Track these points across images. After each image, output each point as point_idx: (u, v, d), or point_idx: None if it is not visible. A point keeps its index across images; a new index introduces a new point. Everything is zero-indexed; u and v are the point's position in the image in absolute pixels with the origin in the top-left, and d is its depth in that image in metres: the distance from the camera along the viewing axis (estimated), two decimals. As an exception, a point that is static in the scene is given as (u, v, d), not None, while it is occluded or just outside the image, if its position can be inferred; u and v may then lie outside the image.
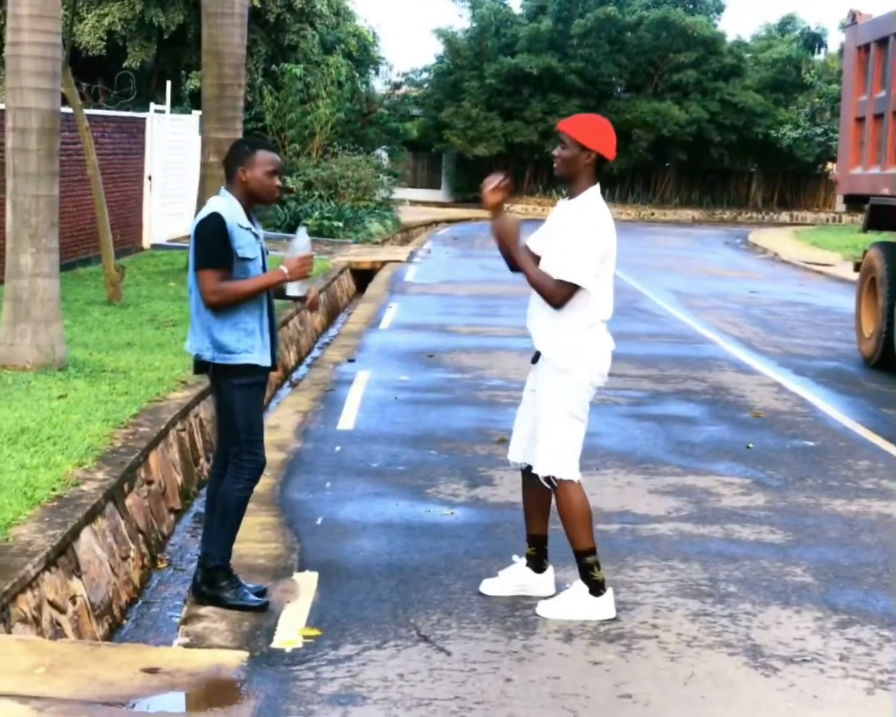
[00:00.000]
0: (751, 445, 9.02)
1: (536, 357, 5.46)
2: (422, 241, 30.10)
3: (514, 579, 5.66)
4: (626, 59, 44.19)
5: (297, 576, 5.86)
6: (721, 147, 44.79)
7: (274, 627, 5.19)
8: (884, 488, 7.97)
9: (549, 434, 5.36)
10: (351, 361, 12.23)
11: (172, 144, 21.94)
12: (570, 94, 43.15)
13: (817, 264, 26.23)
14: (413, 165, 44.61)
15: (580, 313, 5.31)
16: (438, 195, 46.01)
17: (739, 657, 5.06)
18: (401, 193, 34.93)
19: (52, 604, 5.15)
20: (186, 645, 5.01)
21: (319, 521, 6.80)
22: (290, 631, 5.14)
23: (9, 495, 5.80)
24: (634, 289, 19.86)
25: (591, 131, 5.32)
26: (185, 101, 26.56)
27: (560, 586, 5.60)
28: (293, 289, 5.43)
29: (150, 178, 20.48)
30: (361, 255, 22.50)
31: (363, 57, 34.18)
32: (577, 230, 5.25)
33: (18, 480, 6.04)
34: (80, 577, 5.51)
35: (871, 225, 13.57)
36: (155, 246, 20.41)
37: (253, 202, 5.35)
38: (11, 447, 6.63)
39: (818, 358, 13.52)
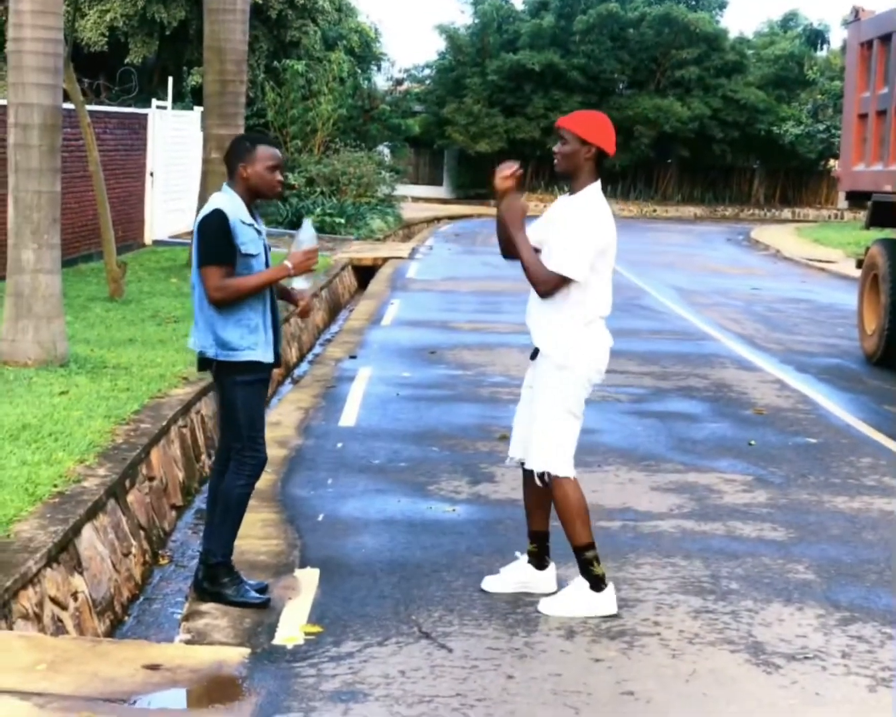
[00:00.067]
0: (753, 442, 9.01)
1: (535, 353, 5.46)
2: (423, 237, 30.09)
3: (515, 575, 5.66)
4: (629, 55, 44.16)
5: (298, 573, 5.86)
6: (723, 144, 44.75)
7: (275, 623, 5.19)
8: (886, 485, 7.96)
9: (546, 431, 5.36)
10: (353, 357, 12.23)
11: (174, 140, 21.92)
12: (573, 91, 43.13)
13: (819, 261, 26.21)
14: (415, 161, 44.59)
15: (580, 310, 5.31)
16: (440, 192, 45.99)
17: (741, 655, 5.05)
18: (402, 189, 34.90)
19: (54, 600, 5.15)
20: (188, 642, 5.01)
21: (321, 517, 6.80)
22: (292, 628, 5.14)
23: (10, 491, 5.80)
24: (636, 285, 19.85)
25: (591, 126, 5.33)
26: (187, 98, 26.55)
27: (562, 583, 5.59)
28: (298, 282, 5.43)
29: (151, 174, 20.47)
30: (363, 251, 22.49)
31: (365, 53, 34.16)
32: (576, 225, 5.25)
33: (20, 476, 6.04)
34: (81, 573, 5.51)
35: (873, 222, 13.56)
36: (156, 242, 20.41)
37: (255, 198, 5.34)
38: (13, 444, 6.63)
39: (820, 355, 13.51)
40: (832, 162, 42.67)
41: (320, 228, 24.16)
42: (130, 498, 6.56)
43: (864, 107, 13.37)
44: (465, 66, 44.41)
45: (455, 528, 6.68)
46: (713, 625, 5.36)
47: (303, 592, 5.59)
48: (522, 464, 5.57)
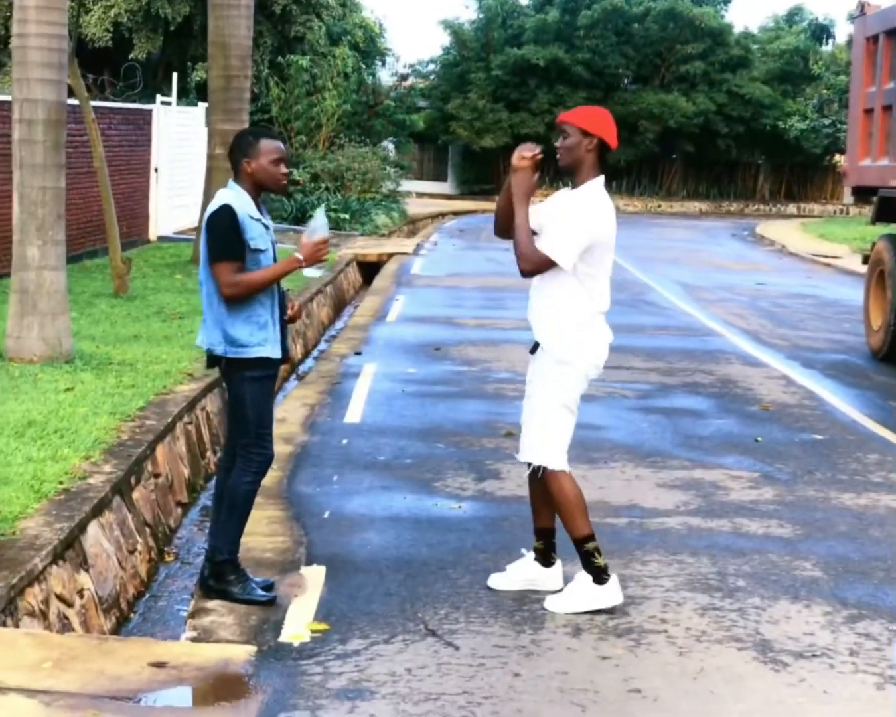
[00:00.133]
0: (759, 438, 8.99)
1: (535, 348, 5.46)
2: (428, 233, 30.07)
3: (521, 573, 5.65)
4: (633, 50, 44.10)
5: (304, 570, 5.85)
6: (728, 139, 44.68)
7: (281, 621, 5.18)
8: (893, 481, 7.94)
9: (543, 424, 5.36)
10: (358, 354, 12.21)
11: (179, 135, 21.91)
12: (577, 86, 43.09)
13: (825, 257, 26.16)
14: (419, 156, 44.58)
15: (580, 305, 5.31)
16: (445, 187, 45.98)
17: (749, 652, 5.04)
18: (407, 185, 34.88)
19: (60, 598, 5.14)
20: (194, 639, 5.01)
21: (327, 514, 6.79)
22: (298, 625, 5.13)
23: (16, 488, 5.80)
24: (641, 281, 19.82)
25: (592, 119, 5.34)
26: (192, 93, 26.51)
27: (568, 581, 5.58)
28: (309, 271, 5.41)
29: (156, 170, 20.47)
30: (368, 247, 22.48)
31: (370, 48, 34.11)
32: (575, 215, 5.25)
33: (25, 473, 6.04)
34: (87, 570, 5.50)
35: (879, 217, 13.52)
36: (161, 238, 20.40)
37: (260, 192, 5.33)
38: (18, 440, 6.62)
39: (826, 351, 13.48)
40: (837, 157, 42.64)
41: (325, 224, 24.14)
42: (136, 495, 6.56)
43: (870, 101, 13.33)
44: (469, 62, 44.38)
45: (461, 525, 6.67)
46: (720, 622, 5.35)
47: (309, 589, 5.58)
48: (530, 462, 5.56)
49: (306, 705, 4.40)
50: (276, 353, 5.33)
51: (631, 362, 11.92)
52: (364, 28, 33.48)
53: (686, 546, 6.41)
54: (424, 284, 18.50)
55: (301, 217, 24.40)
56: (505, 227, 5.44)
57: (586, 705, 4.51)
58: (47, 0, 9.09)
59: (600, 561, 5.39)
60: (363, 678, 4.63)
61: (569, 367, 5.33)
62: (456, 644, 4.99)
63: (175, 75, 22.84)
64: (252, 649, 4.82)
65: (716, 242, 30.51)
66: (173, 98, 22.04)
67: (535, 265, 5.27)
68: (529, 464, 5.53)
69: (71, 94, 11.28)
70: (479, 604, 5.46)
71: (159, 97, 21.49)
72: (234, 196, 5.24)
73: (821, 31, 45.84)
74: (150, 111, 20.39)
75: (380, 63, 36.38)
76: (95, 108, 14.48)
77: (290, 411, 9.41)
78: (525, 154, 5.30)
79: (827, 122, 42.32)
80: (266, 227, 5.33)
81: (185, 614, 5.60)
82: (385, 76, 37.04)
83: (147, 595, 6.13)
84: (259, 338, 5.26)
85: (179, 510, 7.35)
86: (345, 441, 8.51)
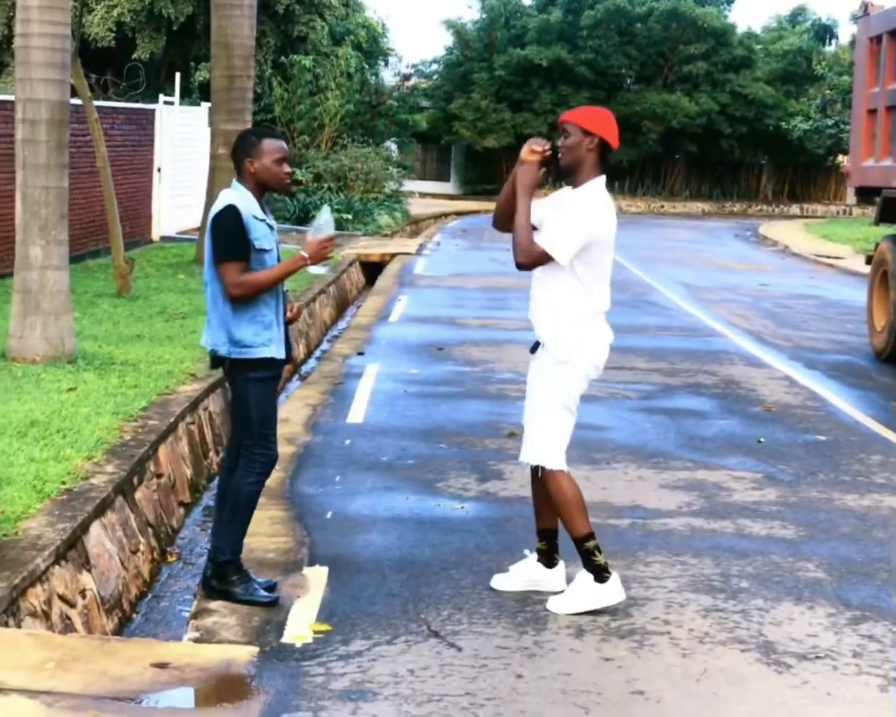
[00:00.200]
0: (762, 439, 8.98)
1: (534, 347, 5.45)
2: (431, 233, 30.06)
3: (524, 574, 5.64)
4: (636, 50, 44.09)
5: (307, 571, 5.84)
6: (731, 139, 44.67)
7: (284, 622, 5.18)
8: (896, 482, 7.94)
9: (543, 424, 5.36)
10: (360, 354, 12.21)
11: (182, 135, 21.92)
12: (580, 86, 43.08)
13: (828, 257, 26.14)
14: (422, 157, 44.58)
15: (581, 304, 5.30)
16: (447, 187, 45.97)
17: (752, 654, 5.03)
18: (410, 185, 34.87)
19: (62, 598, 5.14)
20: (196, 640, 5.00)
21: (329, 515, 6.78)
22: (301, 626, 5.12)
23: (18, 488, 5.79)
24: (644, 281, 19.81)
25: (594, 118, 5.35)
26: (195, 93, 26.53)
27: (571, 582, 5.57)
28: (314, 268, 5.41)
29: (159, 169, 20.47)
30: (370, 247, 22.47)
31: (372, 48, 34.12)
32: (575, 212, 5.25)
33: (28, 473, 6.03)
34: (89, 571, 5.50)
35: (882, 218, 13.50)
36: (164, 238, 20.40)
37: (264, 192, 5.33)
38: (21, 440, 6.62)
39: (829, 351, 13.47)
40: (840, 157, 42.60)
41: (327, 224, 24.14)
42: (138, 495, 6.55)
43: (873, 102, 13.32)
44: (472, 62, 44.38)
45: (464, 525, 6.66)
46: (723, 624, 5.34)
47: (311, 590, 5.57)
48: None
49: (309, 706, 4.39)
50: (280, 353, 5.33)
51: (634, 362, 11.91)
52: (367, 28, 33.48)
53: (689, 547, 6.40)
54: (427, 285, 18.50)
55: (304, 217, 24.40)
56: (504, 219, 5.44)
57: (589, 706, 4.50)
58: (50, 0, 9.09)
59: (601, 559, 5.38)
60: (366, 679, 4.63)
61: (569, 367, 5.32)
62: (459, 645, 4.99)
63: (178, 75, 22.84)
64: (254, 650, 4.81)
65: (719, 243, 30.49)
66: (176, 98, 22.05)
67: (531, 258, 5.27)
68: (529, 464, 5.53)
69: (74, 93, 11.28)
70: (481, 605, 5.45)
71: (162, 97, 21.50)
72: (239, 196, 5.23)
73: (824, 32, 45.81)
74: (152, 111, 20.39)
75: (383, 63, 36.42)
76: (98, 108, 14.48)
77: (292, 412, 9.40)
78: (535, 148, 5.31)
79: (830, 122, 42.30)
80: (270, 227, 5.33)
81: (187, 614, 5.60)
82: (388, 76, 37.11)
83: (149, 596, 6.13)
84: (264, 338, 5.26)
85: (182, 510, 7.34)
86: (347, 442, 8.51)
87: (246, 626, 5.13)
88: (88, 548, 5.57)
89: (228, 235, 5.16)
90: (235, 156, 5.32)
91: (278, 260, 5.34)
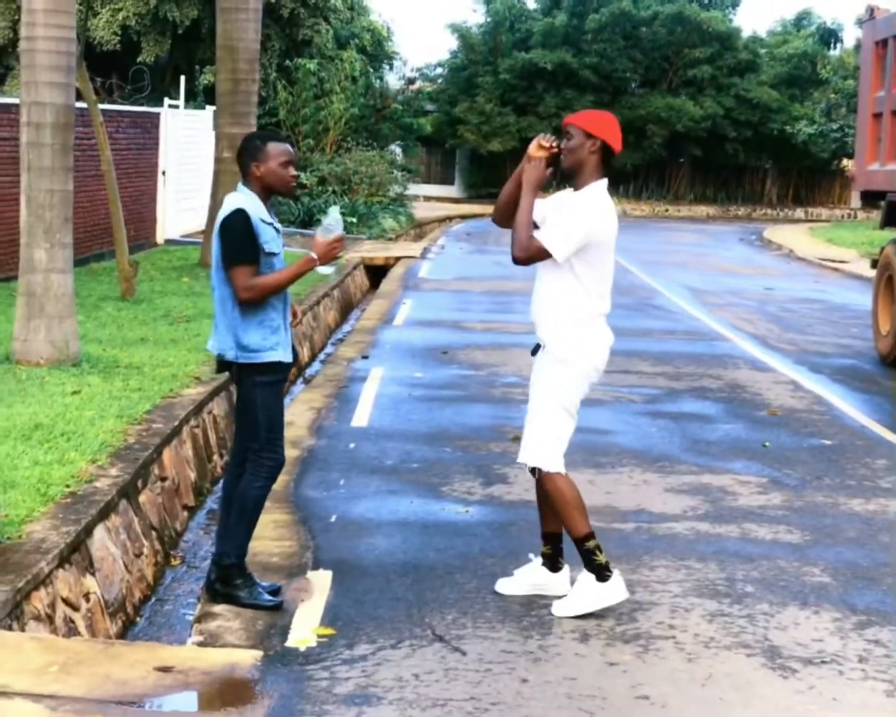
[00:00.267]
0: (767, 443, 8.96)
1: (535, 350, 5.45)
2: (435, 237, 30.06)
3: (529, 578, 5.63)
4: (641, 54, 44.06)
5: (311, 574, 5.83)
6: (736, 143, 44.63)
7: (288, 626, 5.17)
8: (902, 487, 7.91)
9: (541, 425, 5.36)
10: (365, 357, 12.20)
11: (186, 139, 21.93)
12: (585, 90, 43.06)
13: (833, 261, 26.11)
14: (427, 160, 44.55)
15: (581, 303, 5.30)
16: (452, 191, 45.95)
17: (757, 659, 5.01)
18: (414, 188, 34.87)
19: (66, 601, 5.13)
20: (200, 644, 4.99)
21: (333, 519, 6.77)
22: (305, 630, 5.11)
23: (22, 491, 5.79)
24: (649, 285, 19.80)
25: (596, 121, 5.36)
26: (199, 97, 26.54)
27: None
28: (323, 268, 5.40)
29: (163, 173, 20.48)
30: (375, 251, 22.47)
31: (377, 52, 34.13)
32: (575, 212, 5.25)
33: (32, 476, 6.03)
34: (93, 574, 5.49)
35: (888, 222, 13.50)
36: (169, 241, 20.41)
37: (270, 195, 5.32)
38: (25, 443, 6.62)
39: (834, 356, 13.45)
40: (845, 161, 42.56)
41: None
42: (142, 499, 6.55)
43: (878, 106, 13.30)
44: (477, 65, 44.36)
45: (468, 529, 6.65)
46: (729, 629, 5.32)
47: (315, 594, 5.56)
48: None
49: (313, 710, 4.38)
50: (287, 357, 5.32)
51: (638, 366, 11.90)
52: (372, 32, 33.49)
53: (694, 552, 6.38)
54: (431, 288, 18.49)
55: (308, 221, 24.40)
56: (505, 214, 5.43)
57: (594, 711, 4.49)
58: (55, 3, 9.10)
59: (601, 558, 5.37)
60: (370, 684, 4.62)
61: (570, 367, 5.32)
62: (463, 649, 4.98)
63: (183, 79, 22.86)
64: (258, 653, 4.80)
65: (723, 247, 30.47)
66: (181, 101, 22.06)
67: (529, 253, 5.27)
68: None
69: (79, 97, 11.29)
70: (486, 609, 5.44)
71: (167, 101, 21.51)
72: (246, 200, 5.22)
73: (829, 36, 45.76)
74: (157, 114, 20.41)
75: (387, 67, 36.41)
76: (103, 112, 14.49)
77: (296, 415, 9.39)
78: (543, 143, 5.32)
79: (835, 126, 42.23)
80: (277, 230, 5.32)
81: (191, 618, 5.59)
82: (392, 80, 37.07)
83: (153, 599, 6.12)
84: (271, 342, 5.25)
85: (186, 514, 7.34)
86: (352, 445, 8.50)
87: (250, 630, 5.12)
88: (92, 551, 5.57)
89: (238, 238, 5.15)
90: (241, 159, 5.31)
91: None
